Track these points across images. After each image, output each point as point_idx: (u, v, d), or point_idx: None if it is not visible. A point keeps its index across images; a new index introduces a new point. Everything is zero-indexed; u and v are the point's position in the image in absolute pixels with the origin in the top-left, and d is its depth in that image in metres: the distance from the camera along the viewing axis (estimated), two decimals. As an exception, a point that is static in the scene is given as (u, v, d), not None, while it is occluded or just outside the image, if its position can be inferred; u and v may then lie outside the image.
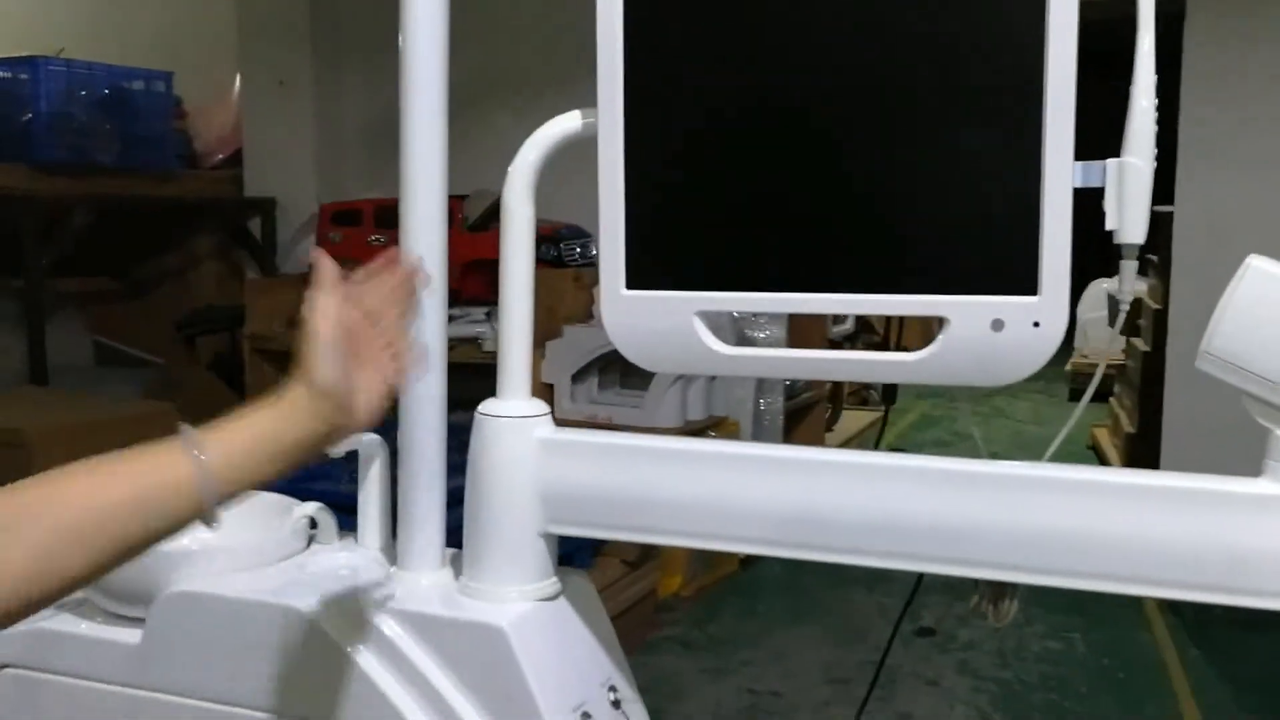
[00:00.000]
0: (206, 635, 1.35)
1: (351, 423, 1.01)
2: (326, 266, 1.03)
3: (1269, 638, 3.72)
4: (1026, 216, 1.07)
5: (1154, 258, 5.15)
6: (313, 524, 1.52)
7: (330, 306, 1.01)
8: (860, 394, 7.42)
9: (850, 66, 1.11)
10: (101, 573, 0.90)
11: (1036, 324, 1.08)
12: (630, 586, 3.93)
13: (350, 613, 1.32)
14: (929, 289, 1.11)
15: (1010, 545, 1.15)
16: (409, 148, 1.33)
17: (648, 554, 3.98)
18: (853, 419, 6.82)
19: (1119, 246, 1.09)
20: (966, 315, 1.10)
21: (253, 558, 1.43)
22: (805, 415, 5.41)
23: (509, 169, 1.30)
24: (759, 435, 4.72)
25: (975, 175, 1.09)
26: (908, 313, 1.13)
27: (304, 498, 1.62)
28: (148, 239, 5.89)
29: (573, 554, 3.66)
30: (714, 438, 4.40)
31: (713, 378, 4.52)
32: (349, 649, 1.30)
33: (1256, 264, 1.05)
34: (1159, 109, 1.09)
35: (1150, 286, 5.34)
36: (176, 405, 4.27)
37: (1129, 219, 1.07)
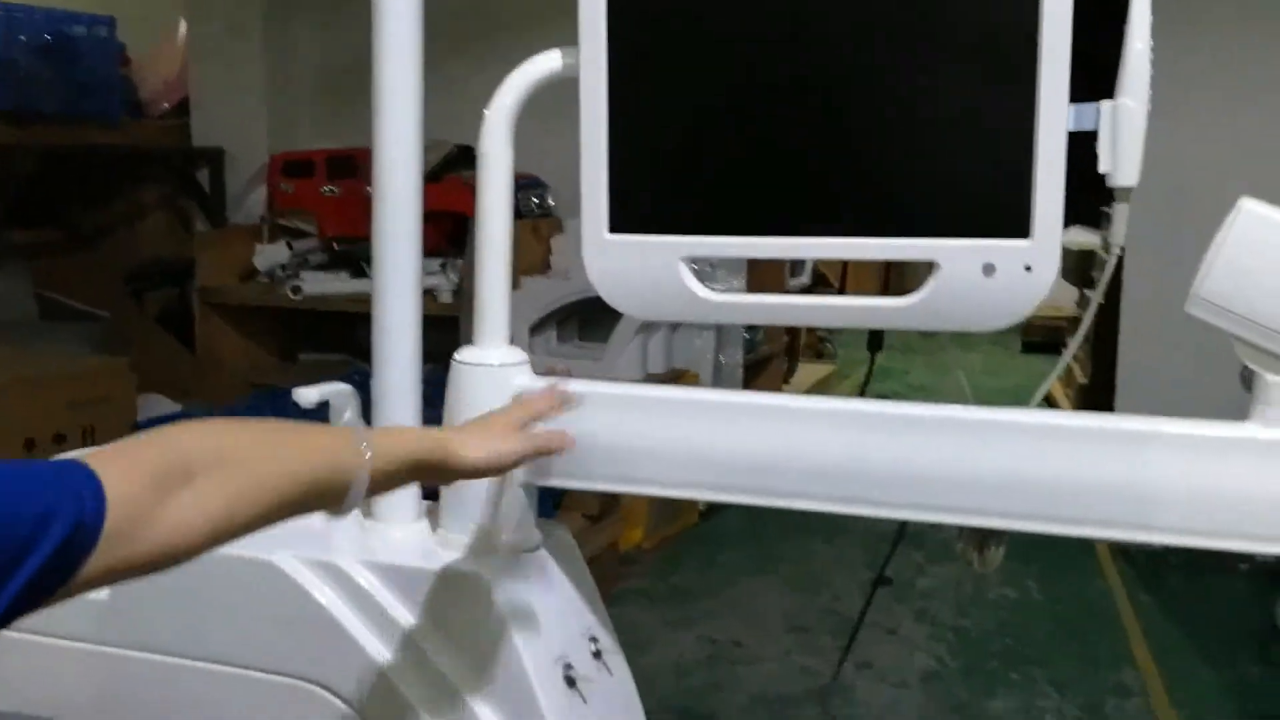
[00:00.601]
0: (178, 591, 1.32)
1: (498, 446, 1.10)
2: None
3: (1214, 581, 3.81)
4: (1019, 159, 1.05)
5: (1108, 209, 5.18)
6: (283, 476, 1.49)
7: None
8: (816, 348, 7.44)
9: (843, 4, 1.09)
10: (264, 525, 0.92)
11: (1028, 268, 1.07)
12: (591, 540, 3.93)
13: (325, 566, 1.29)
14: (920, 232, 1.09)
15: (990, 491, 1.14)
16: (382, 96, 1.28)
17: (608, 507, 3.97)
18: (809, 371, 6.85)
19: (1112, 190, 1.07)
20: (958, 259, 1.09)
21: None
22: (763, 368, 5.43)
23: (485, 113, 1.26)
24: (718, 387, 4.72)
25: (968, 117, 1.07)
26: (899, 256, 1.11)
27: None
28: (93, 189, 5.74)
29: (534, 507, 3.65)
30: (674, 390, 4.40)
31: (674, 329, 4.51)
32: (325, 603, 1.27)
33: (1249, 206, 1.04)
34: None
35: (1104, 237, 5.37)
36: (126, 359, 4.18)
37: (1123, 161, 1.06)
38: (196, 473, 0.85)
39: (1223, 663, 3.34)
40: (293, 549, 1.31)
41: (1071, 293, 6.24)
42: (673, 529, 4.34)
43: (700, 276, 4.05)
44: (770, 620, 3.64)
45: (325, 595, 1.29)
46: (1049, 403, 6.16)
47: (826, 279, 7.30)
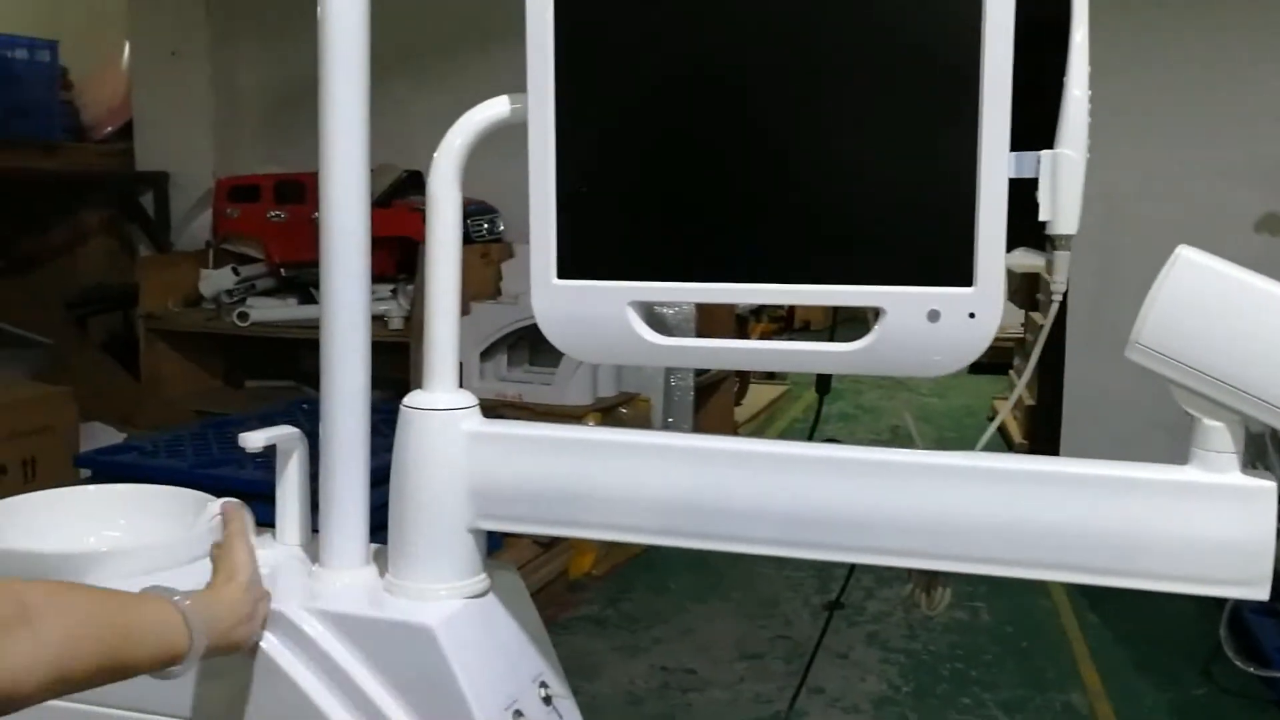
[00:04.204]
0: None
1: (255, 625, 1.21)
2: (240, 516, 1.30)
3: (1160, 602, 3.84)
4: (962, 208, 1.06)
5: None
6: (228, 520, 1.46)
7: (247, 536, 1.27)
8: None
9: (787, 54, 1.10)
10: (94, 684, 0.97)
11: (972, 315, 1.08)
12: (542, 567, 3.92)
13: (272, 614, 1.27)
14: (866, 279, 1.10)
15: (936, 534, 1.15)
16: (329, 119, 1.27)
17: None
18: (760, 393, 6.88)
19: (1052, 237, 1.09)
20: (903, 306, 1.10)
21: (167, 557, 1.37)
22: (715, 390, 5.44)
23: (434, 156, 1.26)
24: (670, 411, 4.72)
25: (911, 166, 1.08)
26: (845, 303, 1.12)
27: (208, 484, 1.57)
28: (33, 214, 5.65)
29: (486, 536, 3.62)
30: (626, 415, 4.39)
31: (624, 355, 4.50)
32: (271, 651, 1.25)
33: (1186, 255, 1.06)
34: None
35: (1049, 262, 5.46)
36: (69, 388, 4.11)
37: (1063, 210, 1.07)
38: (43, 617, 0.89)
39: (1169, 683, 3.39)
40: (237, 596, 1.29)
41: (1018, 315, 6.35)
42: (623, 556, 4.33)
43: (656, 303, 4.03)
44: (722, 647, 3.64)
45: (269, 642, 1.27)
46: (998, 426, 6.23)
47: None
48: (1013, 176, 1.07)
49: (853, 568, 1.36)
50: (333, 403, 1.33)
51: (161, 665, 1.05)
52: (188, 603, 1.07)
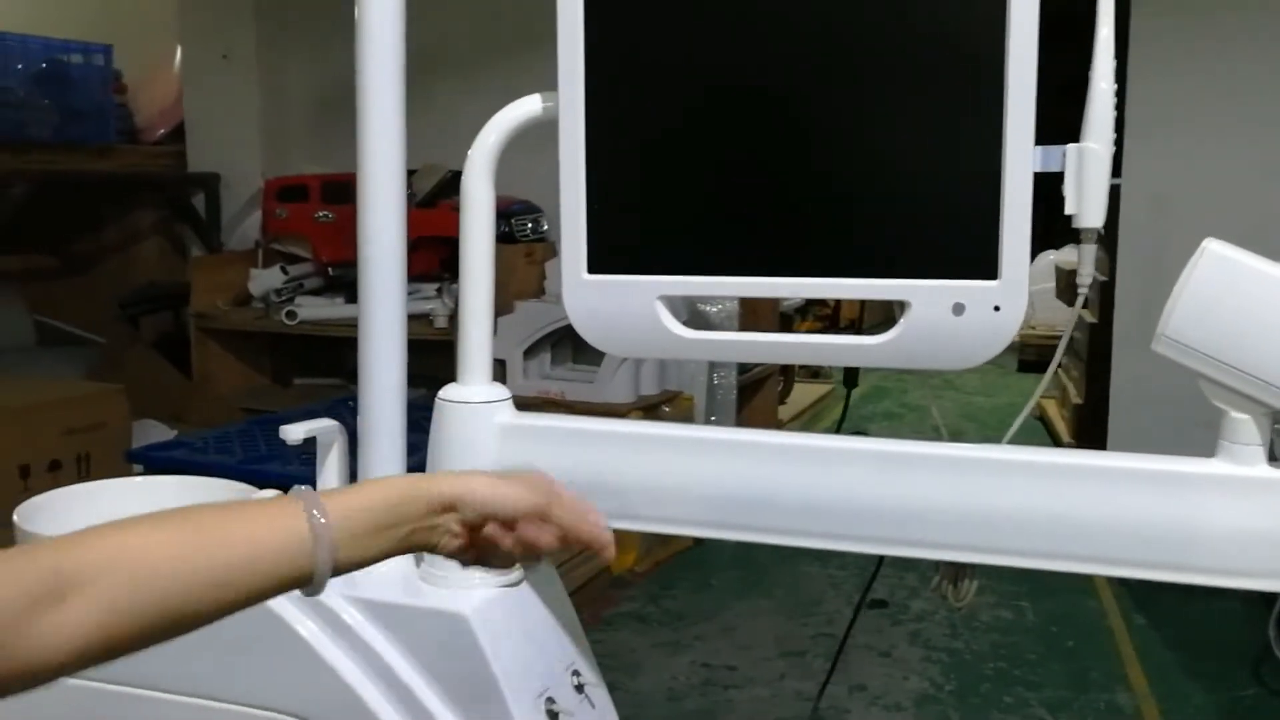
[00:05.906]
0: (163, 626, 1.33)
1: (439, 540, 0.96)
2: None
3: (1207, 603, 3.81)
4: (987, 201, 1.07)
5: (1101, 230, 5.20)
6: (269, 511, 1.50)
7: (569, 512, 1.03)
8: (812, 367, 7.46)
9: (813, 50, 1.11)
10: (183, 631, 0.84)
11: (997, 308, 1.09)
12: (584, 563, 3.94)
13: (310, 601, 1.30)
14: (891, 273, 1.11)
15: (967, 526, 1.16)
16: (366, 121, 1.30)
17: (602, 530, 3.97)
18: (805, 392, 6.86)
19: (1079, 230, 1.09)
20: (928, 299, 1.10)
21: (209, 547, 1.41)
22: (758, 389, 5.44)
23: (469, 152, 1.28)
24: (713, 410, 4.73)
25: (937, 159, 1.09)
26: (870, 296, 1.13)
27: (255, 480, 1.60)
28: (88, 215, 5.77)
29: (528, 532, 3.65)
30: (668, 413, 4.41)
31: (666, 353, 4.51)
32: (309, 638, 1.28)
33: (1213, 248, 1.06)
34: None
35: (1097, 259, 5.41)
36: (122, 385, 4.19)
37: (1089, 203, 1.08)
38: (80, 587, 0.77)
39: (1217, 684, 3.35)
40: (277, 584, 1.32)
41: (1067, 312, 6.29)
42: (666, 552, 4.35)
43: (696, 299, 4.04)
44: (763, 644, 3.65)
45: (308, 629, 1.30)
46: (1044, 424, 6.18)
47: (822, 298, 7.31)
48: (1038, 170, 1.07)
49: (879, 563, 1.36)
50: (370, 397, 1.36)
51: (278, 593, 0.88)
52: (324, 520, 0.86)
